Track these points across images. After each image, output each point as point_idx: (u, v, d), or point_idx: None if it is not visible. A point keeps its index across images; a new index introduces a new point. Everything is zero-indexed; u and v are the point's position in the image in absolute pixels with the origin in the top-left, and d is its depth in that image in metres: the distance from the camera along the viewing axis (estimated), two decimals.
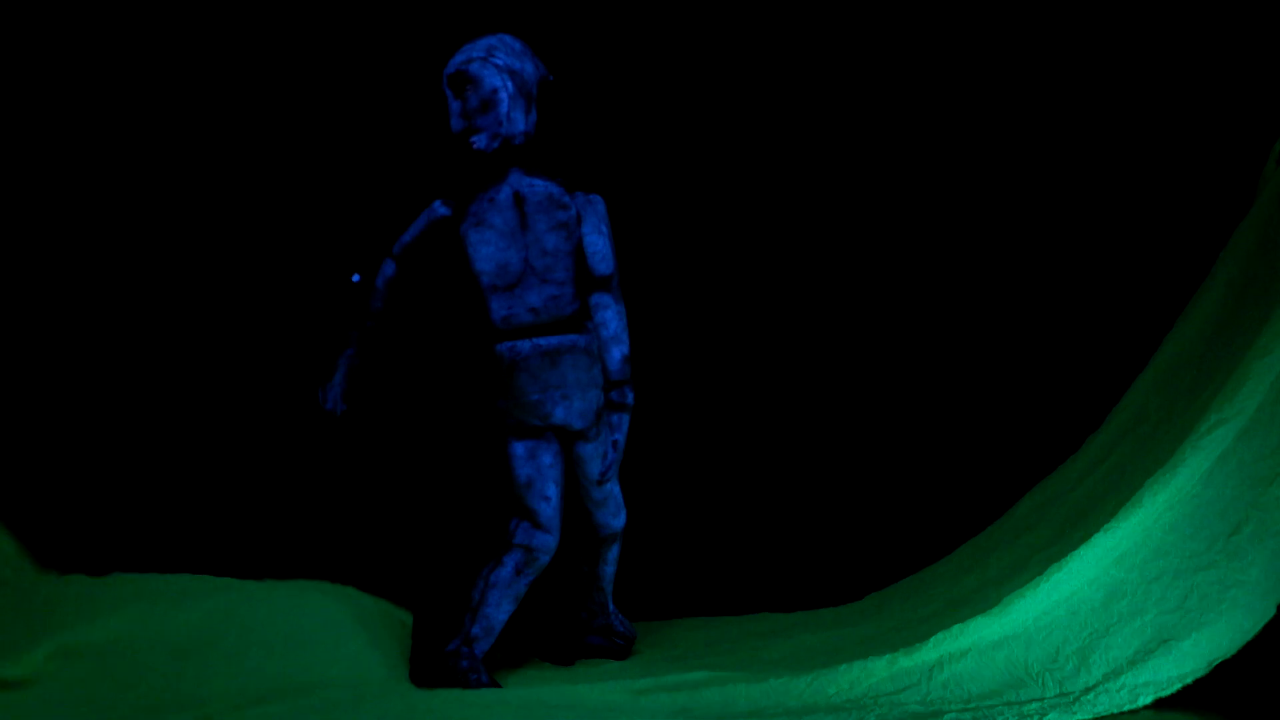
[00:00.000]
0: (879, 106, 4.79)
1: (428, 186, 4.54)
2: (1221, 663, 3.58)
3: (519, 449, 3.90)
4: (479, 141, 3.79)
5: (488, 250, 3.80)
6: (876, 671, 3.67)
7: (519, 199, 3.81)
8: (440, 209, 3.89)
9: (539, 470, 3.88)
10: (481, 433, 4.11)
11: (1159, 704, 3.56)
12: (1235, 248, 4.14)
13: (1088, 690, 3.56)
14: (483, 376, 3.97)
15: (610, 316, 3.88)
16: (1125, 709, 3.52)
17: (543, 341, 3.86)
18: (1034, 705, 3.54)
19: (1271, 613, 3.60)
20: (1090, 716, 3.48)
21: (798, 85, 4.78)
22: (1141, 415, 4.16)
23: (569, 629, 4.25)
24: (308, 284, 4.54)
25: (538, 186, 3.84)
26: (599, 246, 3.88)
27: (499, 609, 3.88)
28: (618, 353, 3.90)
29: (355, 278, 3.99)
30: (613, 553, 4.20)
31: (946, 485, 4.74)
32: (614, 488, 4.09)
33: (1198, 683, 3.58)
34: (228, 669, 3.73)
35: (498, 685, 3.81)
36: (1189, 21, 4.62)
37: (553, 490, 3.90)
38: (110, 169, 4.52)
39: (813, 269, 4.84)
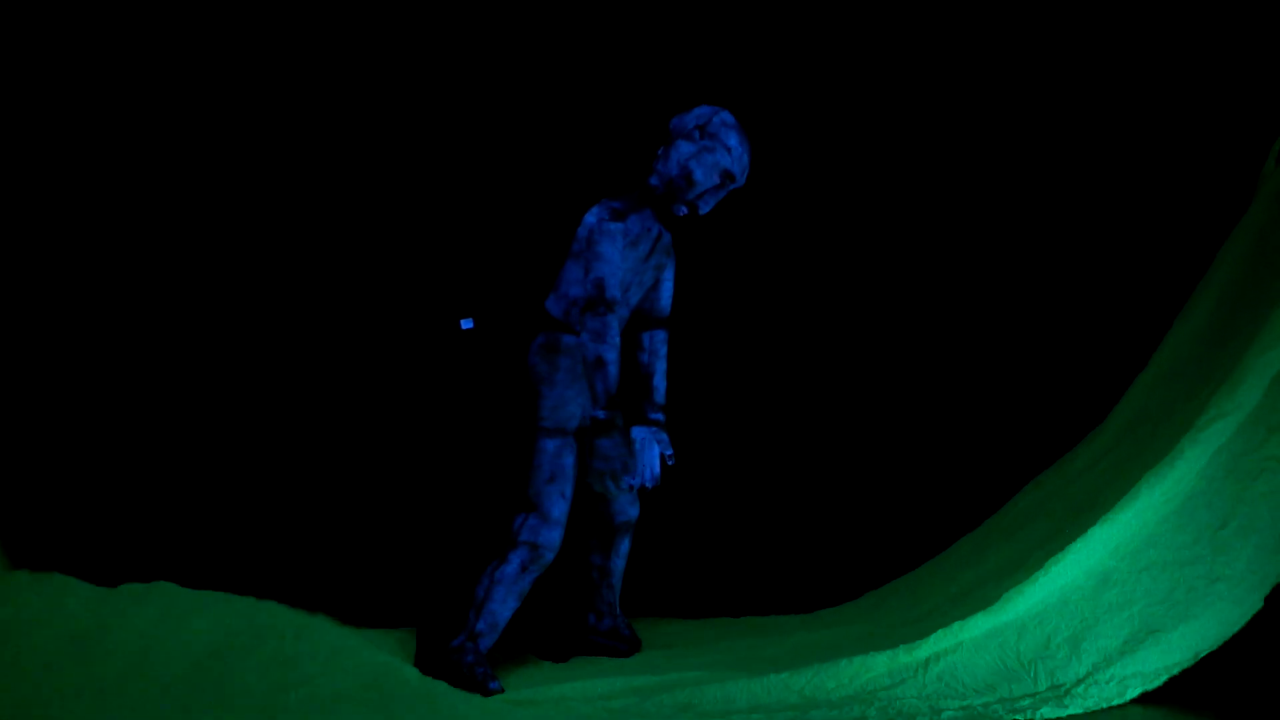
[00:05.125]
0: (875, 106, 4.80)
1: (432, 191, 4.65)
2: (1210, 656, 3.60)
3: (549, 445, 4.00)
4: (683, 211, 4.13)
5: (626, 266, 4.08)
6: (876, 667, 3.71)
7: (659, 237, 4.15)
8: (619, 225, 4.07)
9: (563, 469, 3.99)
10: (493, 429, 4.20)
11: (1147, 698, 3.59)
12: (1234, 247, 4.14)
13: (1078, 682, 3.60)
14: (520, 373, 4.08)
15: (666, 351, 4.29)
16: (1114, 702, 3.56)
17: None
18: (1026, 700, 3.58)
19: (1258, 606, 3.62)
20: (1080, 711, 3.52)
21: (786, 88, 4.81)
22: (1142, 415, 4.15)
23: (574, 630, 4.28)
24: (310, 285, 4.62)
25: (667, 234, 4.20)
26: (671, 292, 4.29)
27: (504, 605, 3.93)
28: (665, 381, 4.28)
29: (466, 324, 4.09)
30: (625, 545, 4.26)
31: (946, 485, 4.74)
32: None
33: (1186, 676, 3.61)
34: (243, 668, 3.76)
35: (499, 682, 3.86)
36: (1189, 21, 4.62)
37: (570, 490, 4.00)
38: (116, 173, 4.56)
39: (807, 269, 4.85)
